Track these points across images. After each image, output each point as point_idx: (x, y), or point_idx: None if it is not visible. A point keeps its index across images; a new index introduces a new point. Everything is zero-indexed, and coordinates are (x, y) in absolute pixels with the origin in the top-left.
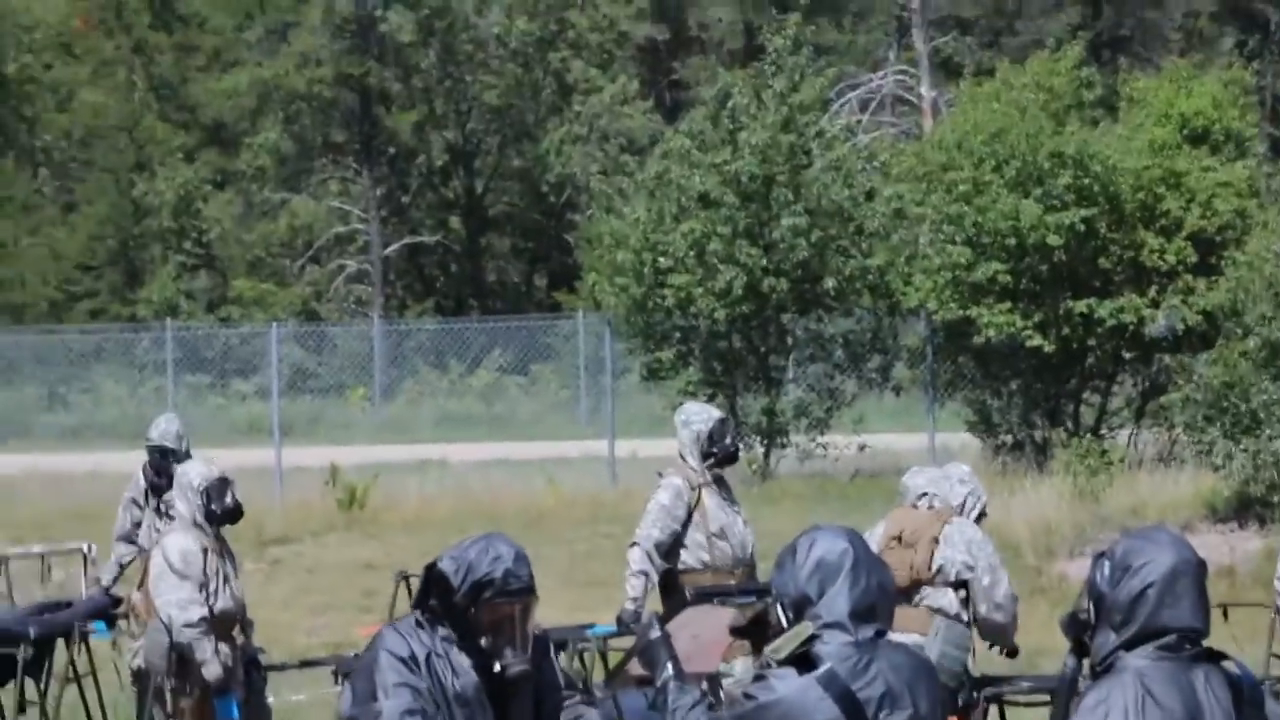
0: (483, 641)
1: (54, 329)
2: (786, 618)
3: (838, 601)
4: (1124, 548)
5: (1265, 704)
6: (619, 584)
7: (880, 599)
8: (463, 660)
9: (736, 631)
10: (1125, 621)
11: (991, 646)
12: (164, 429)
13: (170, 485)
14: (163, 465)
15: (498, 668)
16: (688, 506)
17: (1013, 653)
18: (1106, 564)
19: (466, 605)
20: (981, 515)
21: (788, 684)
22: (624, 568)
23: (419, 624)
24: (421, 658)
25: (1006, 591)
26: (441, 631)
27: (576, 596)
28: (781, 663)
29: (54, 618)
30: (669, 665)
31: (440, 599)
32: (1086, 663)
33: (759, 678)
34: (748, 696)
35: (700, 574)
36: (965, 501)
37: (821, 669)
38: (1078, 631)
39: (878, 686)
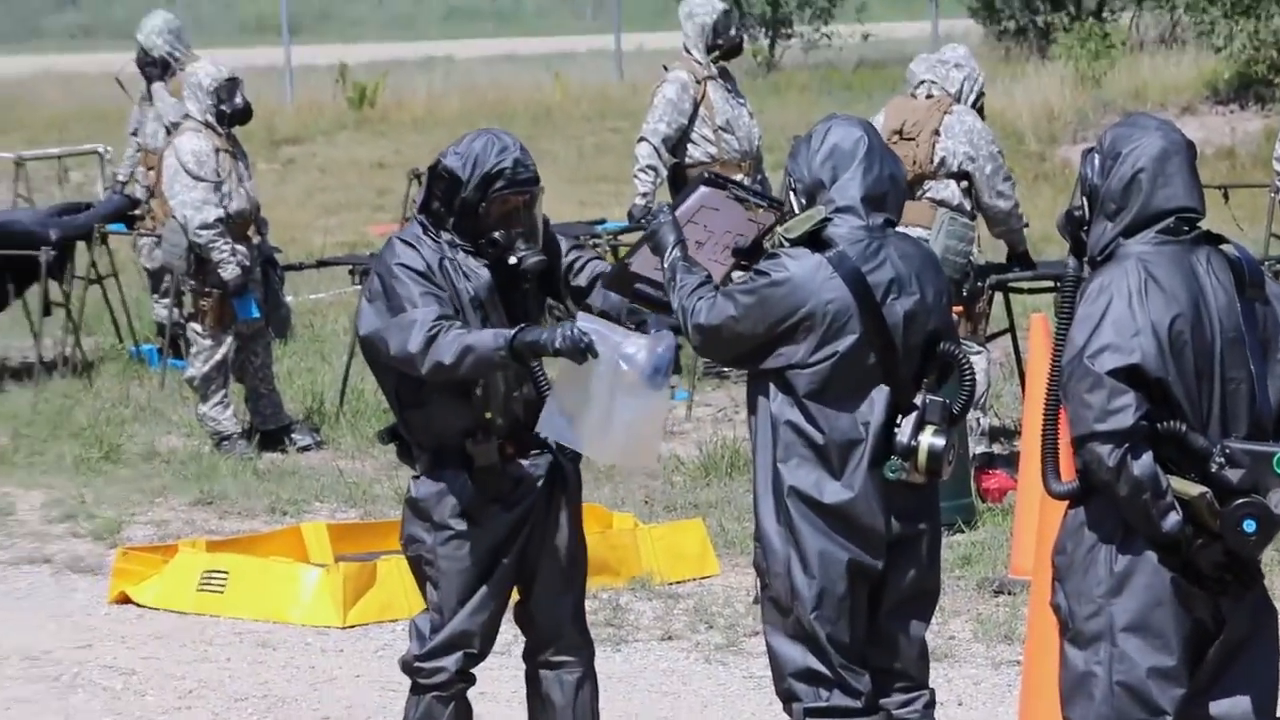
0: (497, 236)
1: None
2: (799, 203)
3: (850, 187)
4: (1111, 137)
5: (1266, 283)
6: (627, 180)
7: (891, 189)
8: (471, 262)
9: (739, 254)
10: (1120, 209)
11: (1013, 255)
12: (147, 27)
13: (153, 82)
14: (145, 64)
15: (513, 260)
16: (693, 100)
17: (1027, 259)
18: (1096, 156)
19: (476, 200)
20: (979, 97)
21: (800, 263)
22: (632, 163)
23: (424, 228)
24: (434, 265)
25: (1006, 176)
26: (446, 236)
27: (585, 193)
28: (794, 243)
29: (74, 220)
30: (677, 248)
31: (446, 198)
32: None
33: (771, 256)
34: (759, 273)
35: (707, 167)
36: (962, 87)
37: (832, 250)
38: (1075, 229)
39: (886, 271)
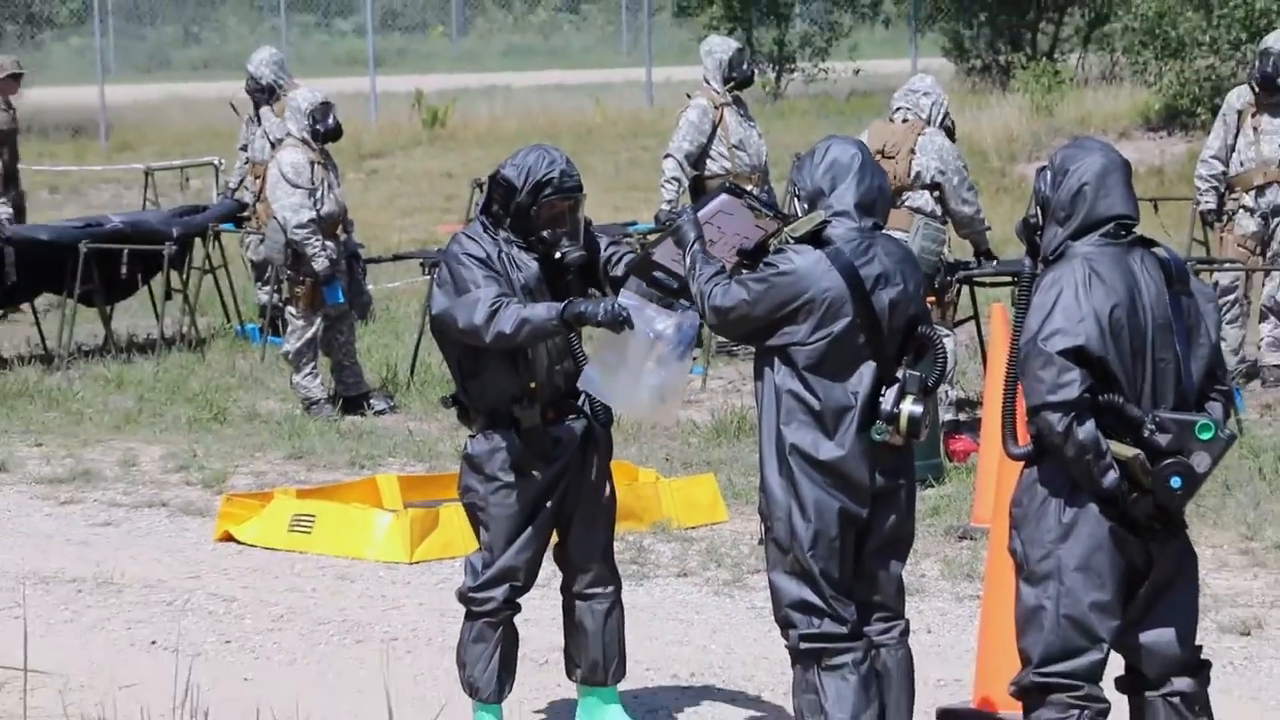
0: (545, 234)
1: None
2: (802, 208)
3: (846, 195)
4: (1060, 156)
5: (1190, 280)
6: (656, 189)
7: (879, 198)
8: (523, 256)
9: (744, 254)
10: (1068, 216)
11: (977, 253)
12: (256, 59)
13: (260, 105)
14: (253, 90)
15: (558, 255)
16: (712, 123)
17: (989, 255)
18: (1048, 172)
19: (529, 204)
20: (945, 116)
21: (803, 257)
22: (659, 175)
23: (484, 227)
24: (493, 255)
25: (970, 186)
26: (502, 234)
27: (619, 200)
28: (798, 241)
29: (192, 219)
30: (698, 242)
31: (503, 202)
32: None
33: (778, 251)
34: (768, 264)
35: (723, 179)
36: (931, 112)
37: (830, 247)
38: (1030, 233)
39: (875, 266)
